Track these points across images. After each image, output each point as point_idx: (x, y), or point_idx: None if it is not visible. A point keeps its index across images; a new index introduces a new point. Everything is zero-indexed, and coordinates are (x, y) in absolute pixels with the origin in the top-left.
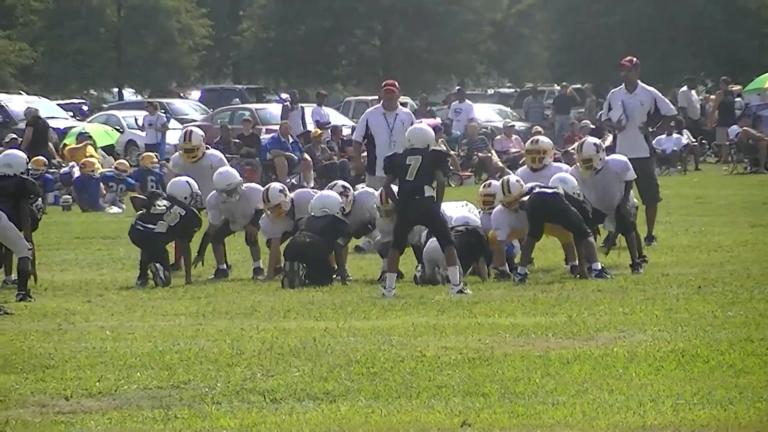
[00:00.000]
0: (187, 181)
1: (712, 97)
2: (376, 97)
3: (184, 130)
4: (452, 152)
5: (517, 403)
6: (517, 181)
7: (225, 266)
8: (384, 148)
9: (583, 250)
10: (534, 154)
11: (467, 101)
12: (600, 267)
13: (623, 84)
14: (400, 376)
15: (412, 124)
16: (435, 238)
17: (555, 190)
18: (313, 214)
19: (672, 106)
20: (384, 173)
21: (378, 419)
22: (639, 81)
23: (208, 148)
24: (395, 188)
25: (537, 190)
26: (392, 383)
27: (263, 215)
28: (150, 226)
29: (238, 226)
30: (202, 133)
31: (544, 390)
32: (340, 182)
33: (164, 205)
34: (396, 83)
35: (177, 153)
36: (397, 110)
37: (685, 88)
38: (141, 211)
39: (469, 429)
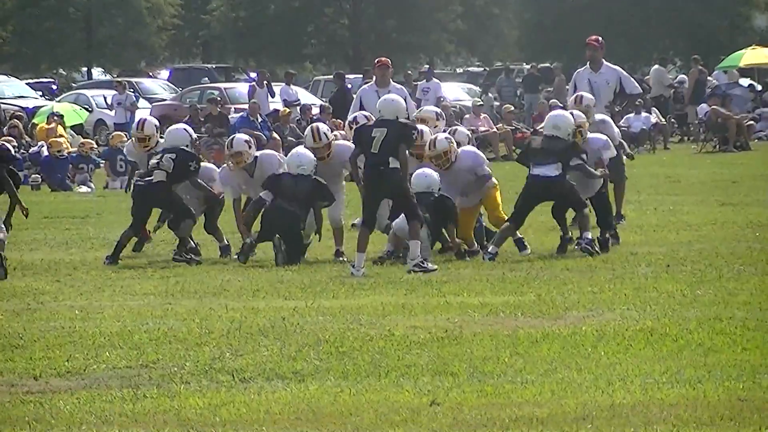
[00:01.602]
0: (184, 129)
1: (682, 76)
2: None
3: (138, 119)
4: None
5: (485, 383)
6: (446, 138)
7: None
8: None
9: (579, 220)
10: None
11: (435, 80)
12: (590, 238)
13: (588, 63)
14: (368, 356)
15: (405, 100)
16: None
17: (557, 173)
18: (289, 172)
19: (637, 85)
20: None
21: (347, 398)
22: (604, 60)
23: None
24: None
25: (537, 171)
26: (361, 362)
27: (224, 165)
28: (148, 178)
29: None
30: (157, 123)
31: (513, 369)
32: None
33: (157, 158)
34: (389, 60)
35: (130, 140)
36: (389, 87)
37: (656, 66)
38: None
39: (438, 408)
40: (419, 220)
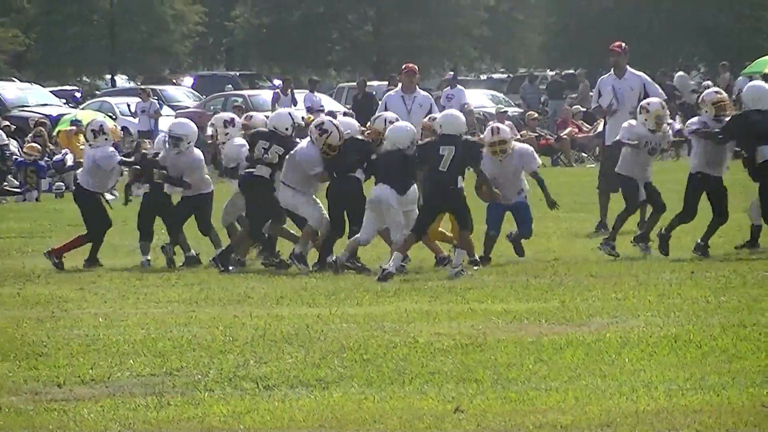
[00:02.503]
0: (289, 113)
1: (708, 82)
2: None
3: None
4: None
5: (509, 389)
6: (509, 128)
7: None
8: None
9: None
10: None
11: (459, 86)
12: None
13: (612, 69)
14: (392, 363)
15: (430, 108)
16: (382, 185)
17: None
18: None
19: (662, 91)
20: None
21: (371, 406)
22: (628, 66)
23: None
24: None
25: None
26: (385, 370)
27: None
28: (250, 170)
29: None
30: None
31: (537, 376)
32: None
33: (263, 147)
34: (416, 67)
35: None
36: (415, 93)
37: (680, 72)
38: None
39: (462, 415)
40: (469, 230)
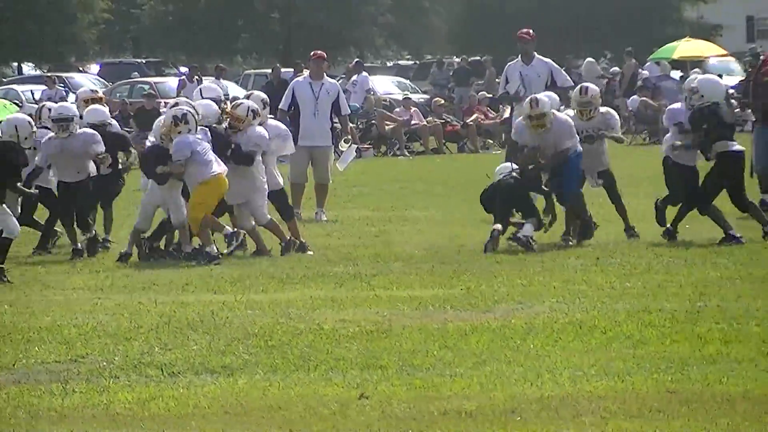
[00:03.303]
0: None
1: (615, 68)
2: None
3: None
4: (351, 125)
5: (414, 376)
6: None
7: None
8: (308, 118)
9: None
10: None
11: (363, 73)
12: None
13: (520, 56)
14: (297, 349)
15: (337, 94)
16: None
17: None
18: None
19: (568, 78)
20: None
21: (276, 392)
22: (535, 53)
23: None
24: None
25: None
26: (290, 356)
27: None
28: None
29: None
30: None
31: (442, 362)
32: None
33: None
34: (324, 54)
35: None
36: (323, 80)
37: (589, 59)
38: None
39: (367, 401)
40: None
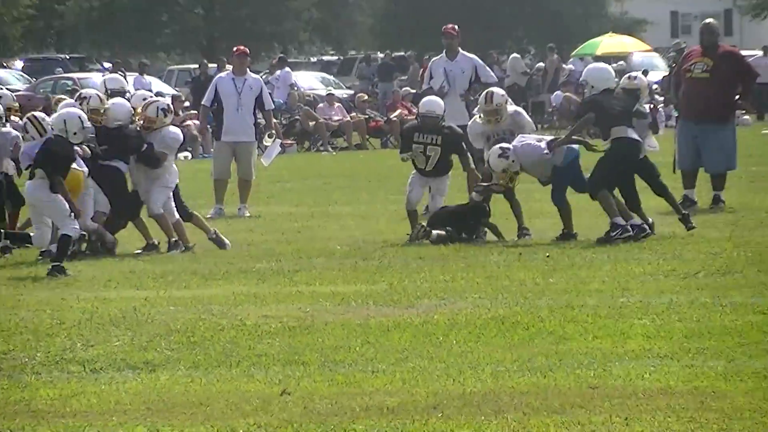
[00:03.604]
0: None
1: (540, 63)
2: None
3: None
4: (275, 120)
5: (336, 371)
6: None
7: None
8: (231, 114)
9: None
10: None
11: (286, 68)
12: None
13: (444, 52)
14: (219, 345)
15: (260, 90)
16: None
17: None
18: None
19: (492, 74)
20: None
21: (198, 388)
22: (460, 49)
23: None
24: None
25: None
26: (212, 352)
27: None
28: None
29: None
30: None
31: (364, 358)
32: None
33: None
34: (247, 49)
35: None
36: (246, 76)
37: (514, 54)
38: None
39: (289, 397)
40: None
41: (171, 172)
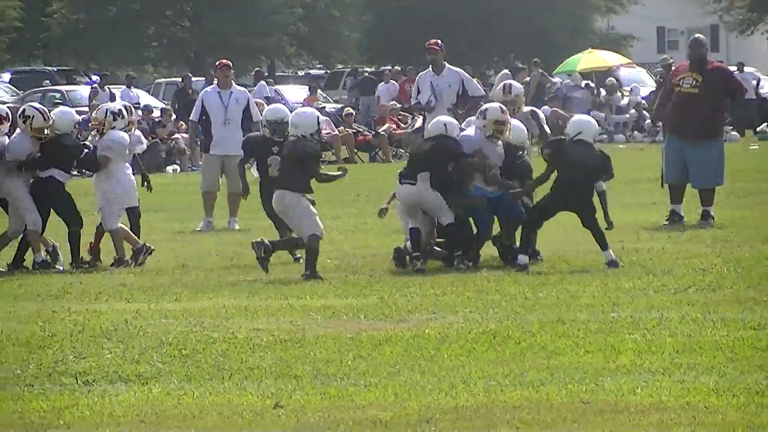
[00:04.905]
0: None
1: (528, 78)
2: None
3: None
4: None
5: (329, 385)
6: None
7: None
8: (219, 127)
9: None
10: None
11: (261, 82)
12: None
13: (430, 66)
14: (211, 358)
15: (247, 102)
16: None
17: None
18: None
19: (480, 87)
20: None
21: (190, 401)
22: (446, 63)
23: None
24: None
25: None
26: (204, 365)
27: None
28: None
29: None
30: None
31: (356, 372)
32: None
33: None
34: (230, 62)
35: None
36: (231, 88)
37: (505, 71)
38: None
39: (281, 411)
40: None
41: (123, 184)
